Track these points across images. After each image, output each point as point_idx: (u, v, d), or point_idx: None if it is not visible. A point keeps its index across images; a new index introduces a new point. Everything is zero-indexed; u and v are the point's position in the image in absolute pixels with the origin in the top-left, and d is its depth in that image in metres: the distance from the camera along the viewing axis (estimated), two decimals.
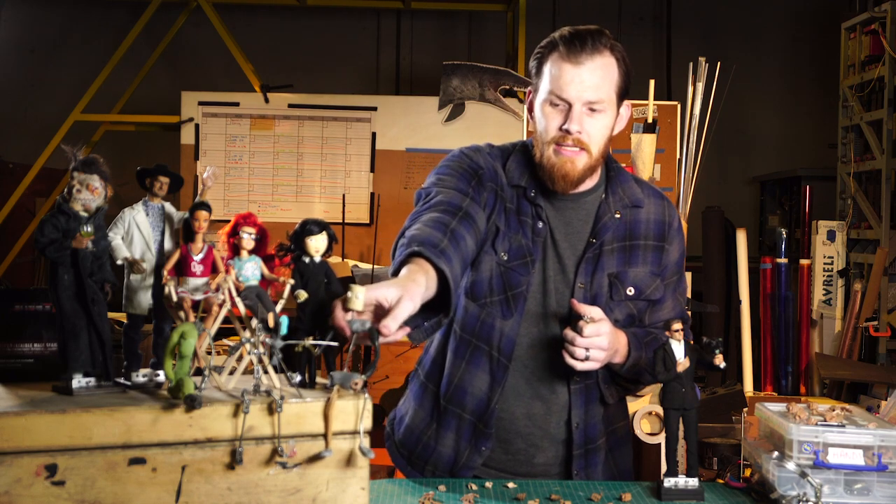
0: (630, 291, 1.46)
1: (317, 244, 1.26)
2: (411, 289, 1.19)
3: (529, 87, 1.48)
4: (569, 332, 1.34)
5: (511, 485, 1.39)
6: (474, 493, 1.36)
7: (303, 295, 1.22)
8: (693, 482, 1.33)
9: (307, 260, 1.26)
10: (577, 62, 1.37)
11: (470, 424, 1.47)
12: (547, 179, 1.43)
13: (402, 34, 6.39)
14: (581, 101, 1.38)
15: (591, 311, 1.36)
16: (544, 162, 1.42)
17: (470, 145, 1.52)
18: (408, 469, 1.55)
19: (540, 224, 1.45)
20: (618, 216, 1.47)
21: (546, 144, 1.41)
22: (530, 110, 1.47)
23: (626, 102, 1.46)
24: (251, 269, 1.22)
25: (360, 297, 1.15)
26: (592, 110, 1.39)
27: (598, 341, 1.34)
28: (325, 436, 1.13)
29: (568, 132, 1.38)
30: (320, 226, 1.27)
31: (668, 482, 1.33)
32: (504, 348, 1.44)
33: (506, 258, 1.43)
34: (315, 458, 1.13)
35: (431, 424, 1.51)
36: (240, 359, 1.20)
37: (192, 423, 1.08)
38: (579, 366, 1.35)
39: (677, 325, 1.32)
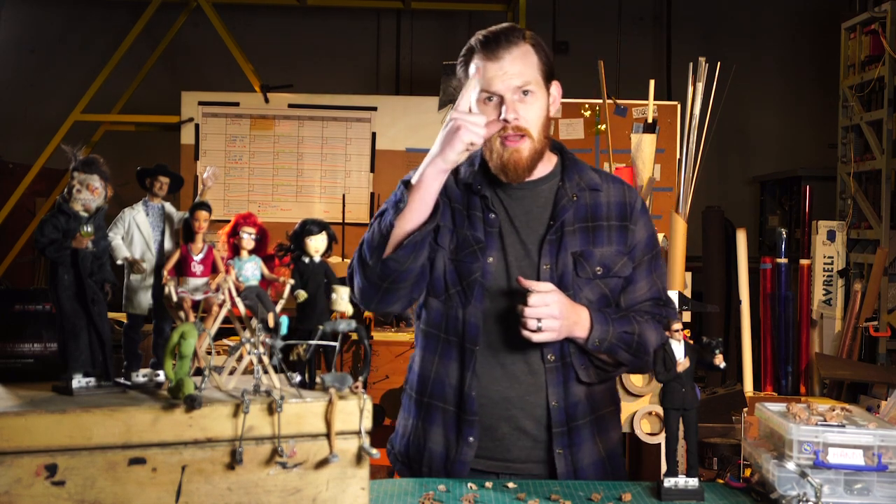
0: (598, 270, 1.51)
1: (316, 244, 1.26)
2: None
3: None
4: (519, 306, 1.42)
5: (511, 485, 1.39)
6: (474, 492, 1.36)
7: (302, 295, 1.22)
8: (693, 482, 1.33)
9: (307, 260, 1.26)
10: (496, 57, 1.46)
11: (453, 415, 1.51)
12: (500, 173, 1.51)
13: (402, 34, 6.39)
14: (510, 90, 1.46)
15: (539, 286, 1.42)
16: (494, 157, 1.50)
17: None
18: (408, 475, 1.58)
19: (492, 215, 1.52)
20: (575, 199, 1.54)
21: (492, 140, 1.49)
22: None
23: (555, 82, 1.54)
24: (251, 270, 1.22)
25: (345, 297, 1.17)
26: (525, 94, 1.47)
27: (546, 310, 1.40)
28: (328, 439, 1.13)
29: (506, 121, 1.46)
30: (320, 226, 1.27)
31: (668, 482, 1.33)
32: (469, 333, 1.50)
33: (454, 250, 1.51)
34: (318, 461, 1.13)
35: (419, 424, 1.55)
36: (240, 359, 1.20)
37: (192, 423, 1.08)
38: (535, 337, 1.41)
39: (677, 325, 1.32)
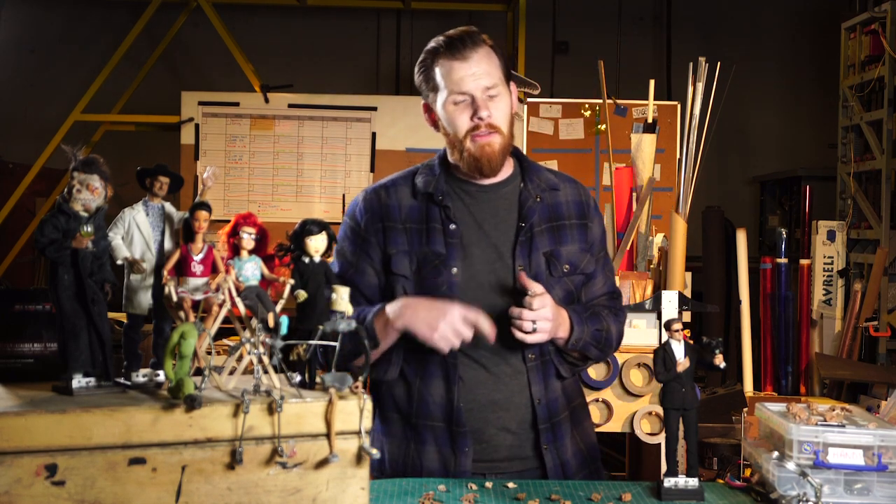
0: (566, 268, 1.55)
1: (316, 244, 1.26)
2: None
3: (424, 102, 1.58)
4: (515, 309, 1.44)
5: (511, 485, 1.40)
6: (474, 492, 1.36)
7: (302, 295, 1.23)
8: (693, 482, 1.33)
9: (307, 260, 1.27)
10: (463, 58, 1.50)
11: (444, 431, 1.51)
12: (474, 170, 1.53)
13: (402, 34, 6.40)
14: (480, 89, 1.50)
15: (535, 286, 1.45)
16: (465, 156, 1.52)
17: (356, 198, 1.64)
18: None
19: (452, 226, 1.54)
20: (539, 200, 1.57)
21: (462, 140, 1.52)
22: (434, 123, 1.58)
23: (511, 83, 1.59)
24: (251, 270, 1.22)
25: (345, 297, 1.18)
26: (491, 96, 1.52)
27: (543, 313, 1.43)
28: (328, 439, 1.13)
29: (481, 119, 1.50)
30: (320, 226, 1.28)
31: (668, 482, 1.33)
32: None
33: (416, 271, 1.52)
34: (318, 461, 1.13)
35: (409, 445, 1.54)
36: (240, 359, 1.20)
37: (192, 423, 1.09)
38: (529, 339, 1.44)
39: (677, 326, 1.33)
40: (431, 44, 1.54)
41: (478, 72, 1.49)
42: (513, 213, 1.56)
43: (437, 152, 1.65)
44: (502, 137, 1.52)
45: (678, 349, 1.32)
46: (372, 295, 1.56)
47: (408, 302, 1.47)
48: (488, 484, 1.40)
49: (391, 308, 1.47)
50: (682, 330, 1.33)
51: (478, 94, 1.50)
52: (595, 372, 2.17)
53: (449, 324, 1.41)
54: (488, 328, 1.43)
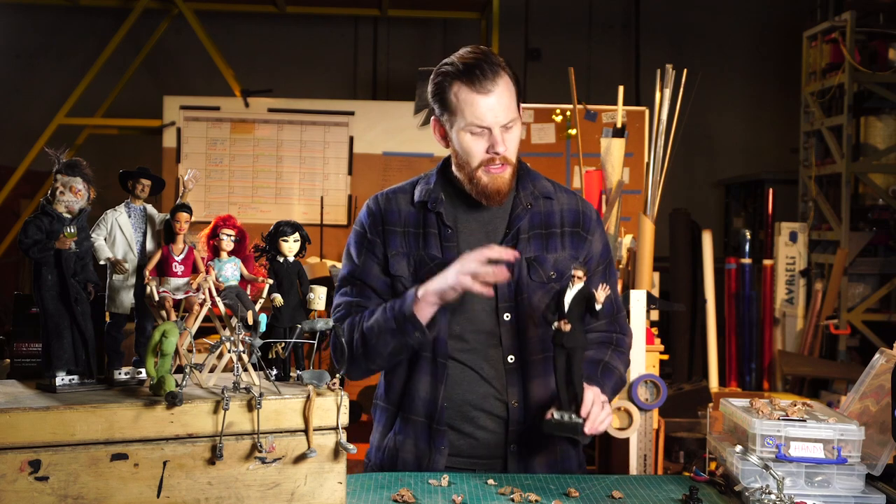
0: (552, 275, 1.57)
1: (290, 245, 1.29)
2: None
3: (435, 117, 1.59)
4: (584, 415, 1.42)
5: (491, 482, 1.43)
6: (451, 482, 1.40)
7: (279, 300, 1.26)
8: (577, 419, 1.38)
9: (281, 260, 1.30)
10: (485, 91, 1.50)
11: (424, 426, 1.55)
12: (482, 197, 1.56)
13: (379, 41, 6.42)
14: (499, 125, 1.52)
15: (586, 398, 1.41)
16: (476, 182, 1.55)
17: (364, 208, 1.66)
18: None
19: (449, 231, 1.58)
20: (530, 206, 1.60)
21: (475, 169, 1.54)
22: (443, 136, 1.59)
23: (520, 105, 1.61)
24: (231, 270, 1.25)
25: (322, 297, 1.23)
26: (507, 128, 1.54)
27: (603, 416, 1.44)
28: (306, 435, 1.16)
29: (497, 154, 1.52)
30: (293, 227, 1.31)
31: (556, 415, 1.39)
32: (439, 349, 1.54)
33: (411, 272, 1.57)
34: (297, 456, 1.16)
35: (393, 435, 1.59)
36: (220, 357, 1.22)
37: (173, 419, 1.11)
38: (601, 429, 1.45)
39: (575, 273, 1.39)
40: (447, 66, 1.53)
41: (498, 107, 1.51)
42: (503, 222, 1.59)
43: (438, 163, 1.67)
44: (512, 168, 1.55)
45: (570, 293, 1.38)
46: (381, 290, 1.60)
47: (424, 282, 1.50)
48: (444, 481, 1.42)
49: (416, 289, 1.51)
50: (581, 276, 1.39)
51: (496, 128, 1.51)
52: None
53: (465, 260, 1.45)
54: (500, 254, 1.46)
